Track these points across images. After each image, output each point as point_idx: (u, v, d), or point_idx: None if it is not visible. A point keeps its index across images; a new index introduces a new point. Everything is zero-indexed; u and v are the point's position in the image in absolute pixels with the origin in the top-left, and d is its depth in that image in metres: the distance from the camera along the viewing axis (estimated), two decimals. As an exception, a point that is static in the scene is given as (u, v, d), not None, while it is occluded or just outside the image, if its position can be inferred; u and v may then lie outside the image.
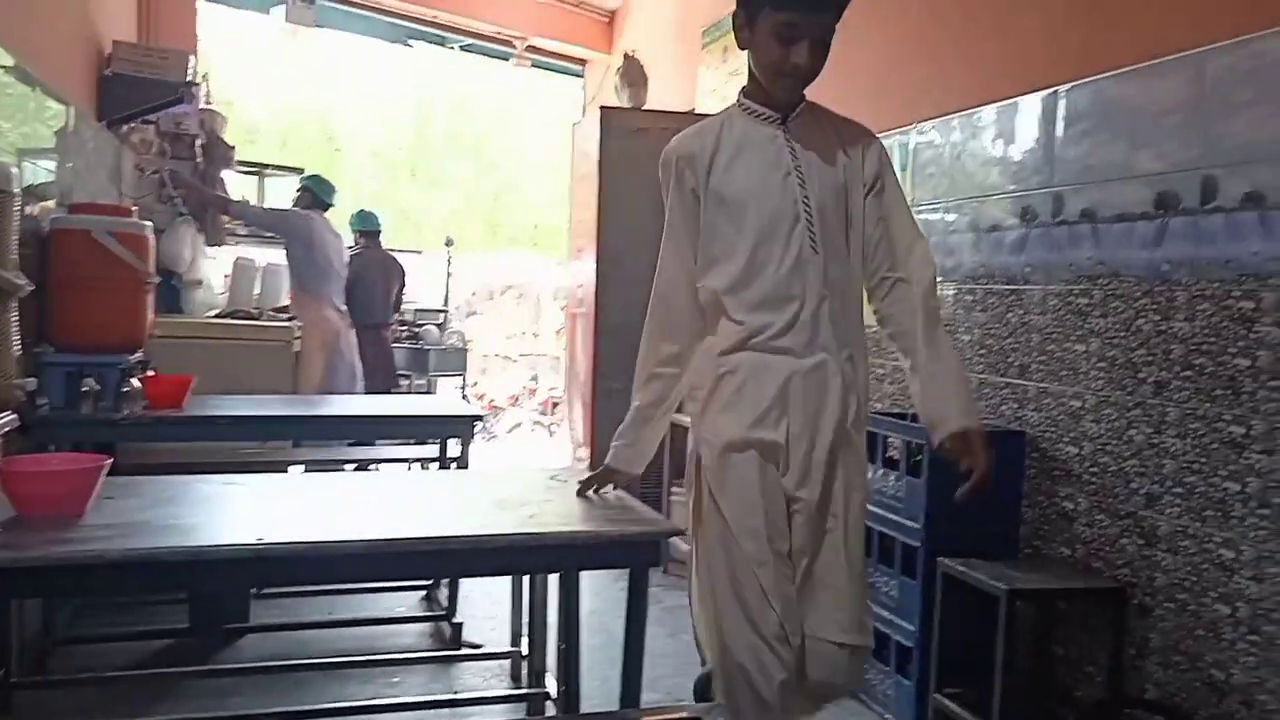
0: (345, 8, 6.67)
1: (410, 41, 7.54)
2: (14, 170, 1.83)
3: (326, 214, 5.53)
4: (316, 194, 5.51)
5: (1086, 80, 2.74)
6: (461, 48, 7.97)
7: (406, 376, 6.99)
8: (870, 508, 3.09)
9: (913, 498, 2.92)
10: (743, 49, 1.92)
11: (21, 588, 1.74)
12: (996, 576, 2.56)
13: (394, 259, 6.61)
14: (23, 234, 2.96)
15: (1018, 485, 2.90)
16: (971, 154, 3.23)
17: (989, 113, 3.14)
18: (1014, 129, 3.03)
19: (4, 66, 2.82)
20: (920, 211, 3.45)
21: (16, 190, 1.81)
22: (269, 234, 5.51)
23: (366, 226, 6.48)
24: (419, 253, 8.27)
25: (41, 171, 3.20)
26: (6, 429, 1.86)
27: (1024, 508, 2.90)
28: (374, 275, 6.34)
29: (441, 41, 7.89)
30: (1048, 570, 2.69)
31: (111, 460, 1.91)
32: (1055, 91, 2.85)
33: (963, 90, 3.28)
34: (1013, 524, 2.90)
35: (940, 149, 3.39)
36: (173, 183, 4.94)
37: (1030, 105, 2.95)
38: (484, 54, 7.99)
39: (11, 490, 1.81)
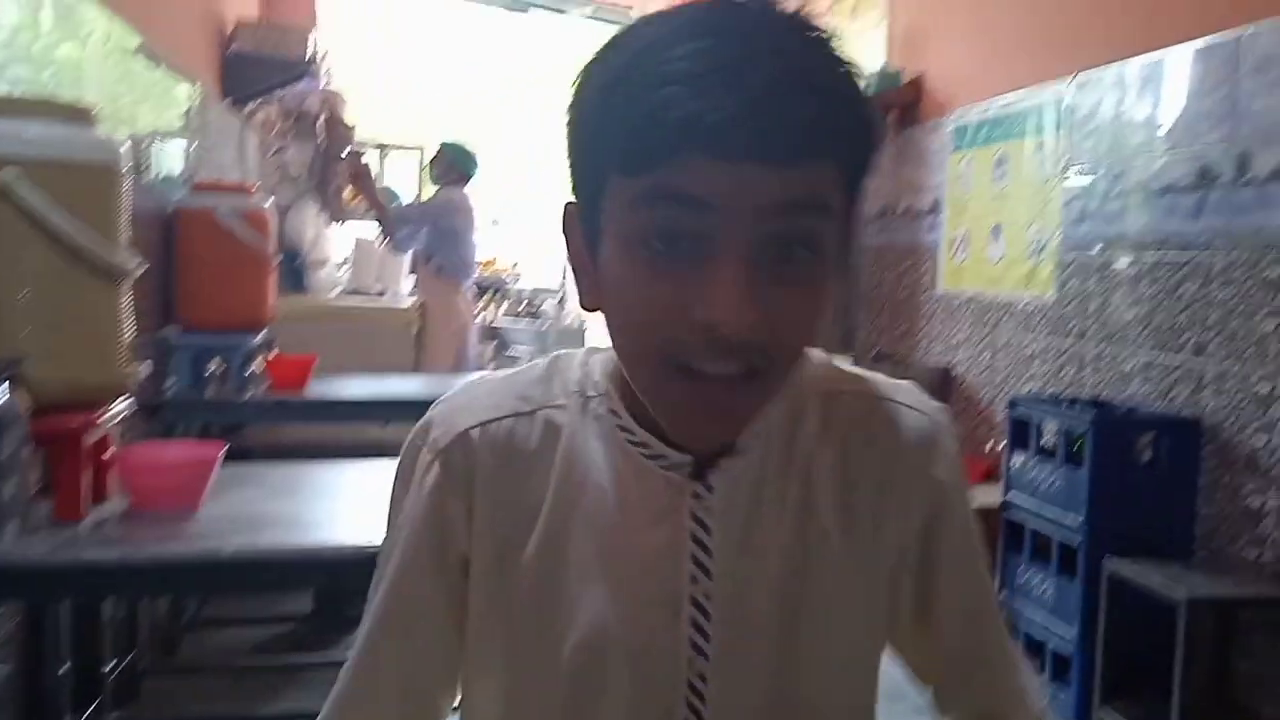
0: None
1: (529, 9, 7.44)
2: (123, 148, 1.75)
3: (466, 188, 5.12)
4: (460, 166, 5.04)
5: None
6: (586, 15, 7.83)
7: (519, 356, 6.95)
8: (1023, 502, 2.86)
9: (1072, 490, 2.66)
10: (590, 309, 0.74)
11: (133, 587, 1.68)
12: (1173, 581, 2.30)
13: None
14: (147, 214, 2.96)
15: (1193, 478, 2.62)
16: (1139, 107, 2.92)
17: (1159, 59, 2.83)
18: (1190, 77, 2.71)
19: (132, 48, 2.80)
20: (1080, 173, 3.16)
21: (124, 168, 1.73)
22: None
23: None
24: (537, 226, 8.22)
25: (167, 152, 3.19)
26: (124, 414, 1.79)
27: (1200, 503, 2.62)
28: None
29: (562, 9, 7.77)
30: (1230, 575, 2.42)
31: (226, 448, 1.83)
32: (1240, 34, 2.53)
33: (1126, 36, 2.97)
34: (1187, 521, 2.62)
35: (1101, 102, 3.09)
36: (349, 170, 4.92)
37: (1210, 50, 2.64)
38: (608, 22, 7.84)
39: (127, 482, 1.75)
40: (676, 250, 0.64)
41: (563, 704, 0.75)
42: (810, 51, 0.64)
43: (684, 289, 0.63)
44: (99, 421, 1.73)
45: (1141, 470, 2.66)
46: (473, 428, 0.77)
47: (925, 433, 0.80)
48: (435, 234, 5.02)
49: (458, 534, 0.77)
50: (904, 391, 0.82)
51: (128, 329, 1.78)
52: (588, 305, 0.73)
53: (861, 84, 0.67)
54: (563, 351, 0.83)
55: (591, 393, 0.78)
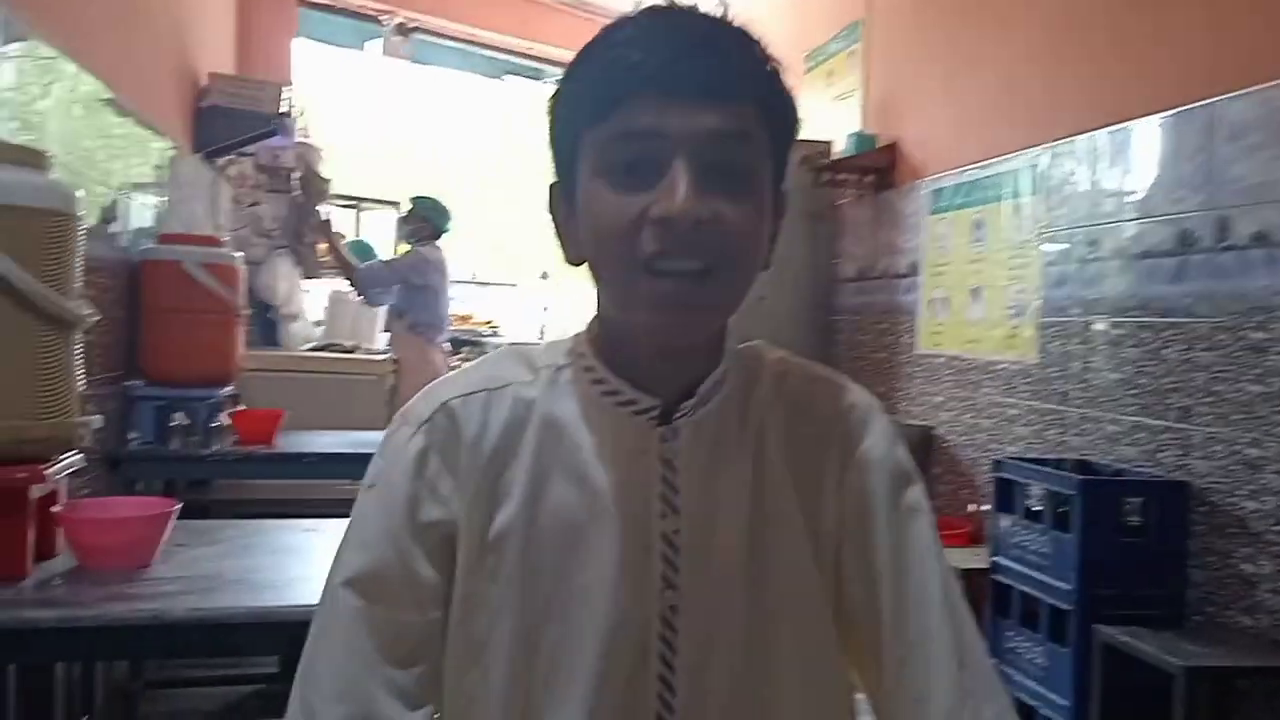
0: (440, 41, 6.63)
1: (504, 76, 7.48)
2: (79, 193, 1.68)
3: (439, 241, 5.07)
4: (433, 221, 5.03)
5: (1256, 88, 2.42)
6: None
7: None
8: (1012, 564, 2.80)
9: (1061, 555, 2.60)
10: (574, 263, 0.85)
11: (73, 650, 1.57)
12: (1168, 650, 2.23)
13: None
14: (112, 265, 2.89)
15: (1183, 543, 2.56)
16: (1114, 173, 2.91)
17: (1133, 128, 2.83)
18: (1165, 144, 2.71)
19: (102, 99, 2.75)
20: (1057, 237, 3.15)
21: (80, 213, 1.66)
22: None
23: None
24: (513, 285, 8.17)
25: (137, 204, 3.13)
26: (73, 468, 1.69)
27: (1191, 568, 2.56)
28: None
29: (538, 76, 7.82)
30: (1226, 643, 2.34)
31: (181, 505, 1.74)
32: (1215, 102, 2.53)
33: (1098, 106, 2.97)
34: (1179, 587, 2.56)
35: (1076, 169, 3.09)
36: (316, 231, 4.92)
37: (1184, 118, 2.64)
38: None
39: (72, 539, 1.65)
40: (637, 175, 0.77)
41: (552, 643, 0.81)
42: (731, 28, 0.81)
43: (645, 198, 0.76)
44: (46, 475, 1.63)
45: (1131, 535, 2.60)
46: (453, 398, 0.85)
47: (862, 408, 0.90)
48: (407, 291, 4.97)
49: (441, 496, 0.83)
50: (845, 377, 0.93)
51: (78, 380, 1.70)
52: (572, 260, 0.85)
53: (774, 62, 0.82)
54: (518, 344, 0.96)
55: (564, 361, 0.88)
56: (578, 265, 0.84)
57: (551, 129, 0.84)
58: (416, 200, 5.11)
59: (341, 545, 0.84)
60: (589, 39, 0.82)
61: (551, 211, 0.86)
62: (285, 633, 1.60)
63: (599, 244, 0.79)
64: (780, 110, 0.82)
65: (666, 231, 0.75)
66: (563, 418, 0.85)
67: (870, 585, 0.85)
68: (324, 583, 0.84)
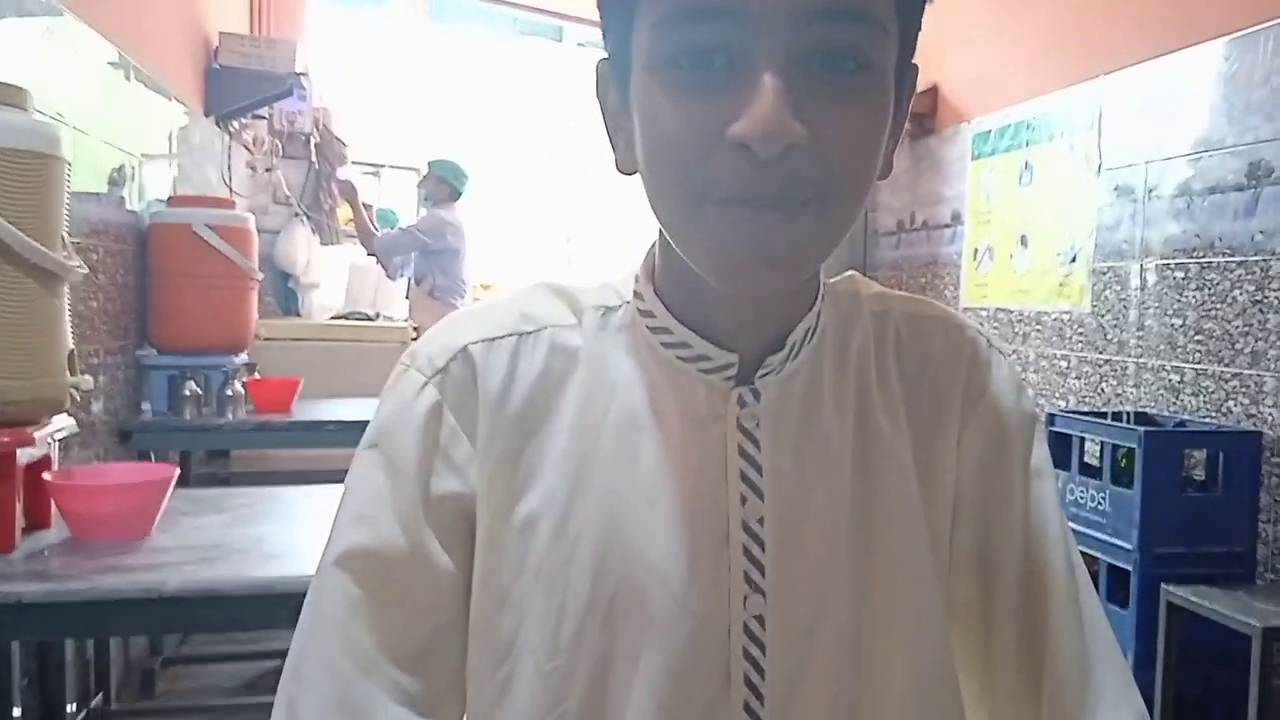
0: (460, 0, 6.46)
1: (525, 36, 7.30)
2: (61, 133, 1.55)
3: (457, 203, 4.91)
4: (450, 183, 4.83)
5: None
6: (579, 44, 7.70)
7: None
8: (1068, 523, 2.64)
9: (1121, 512, 2.43)
10: (626, 171, 0.66)
11: (62, 626, 1.46)
12: (1242, 610, 2.07)
13: None
14: (121, 229, 2.78)
15: (1254, 496, 2.39)
16: (1177, 104, 2.72)
17: (1197, 53, 2.63)
18: (1233, 70, 2.52)
19: (109, 61, 2.63)
20: (1117, 173, 2.95)
21: (66, 155, 1.53)
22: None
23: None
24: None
25: (148, 168, 3.01)
26: (62, 434, 1.58)
27: (1262, 523, 2.39)
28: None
29: (558, 37, 7.64)
30: (1303, 602, 2.19)
31: (179, 472, 1.62)
32: (1295, 17, 2.34)
33: (1161, 29, 2.77)
34: (1249, 543, 2.39)
35: (1135, 101, 2.89)
36: (341, 194, 4.83)
37: (1255, 39, 2.44)
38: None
39: (64, 508, 1.54)
40: (709, 67, 0.55)
41: (597, 660, 0.62)
42: None
43: (720, 108, 0.55)
44: (34, 440, 1.52)
45: (1196, 489, 2.44)
46: (474, 343, 0.67)
47: (983, 349, 0.72)
48: (425, 255, 4.84)
49: (456, 464, 0.65)
50: (956, 313, 0.75)
51: (67, 337, 1.58)
52: (624, 168, 0.65)
53: None
54: (567, 279, 0.72)
55: (615, 302, 0.69)
56: (630, 174, 0.64)
57: None
58: (433, 163, 4.97)
59: (337, 518, 0.66)
60: None
61: (600, 97, 0.66)
62: (293, 604, 1.49)
63: (653, 164, 0.59)
64: None
65: (747, 158, 0.54)
66: (613, 373, 0.67)
67: (989, 569, 0.69)
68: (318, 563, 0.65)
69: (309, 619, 0.64)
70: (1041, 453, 0.71)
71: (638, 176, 0.62)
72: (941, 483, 0.69)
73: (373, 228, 4.82)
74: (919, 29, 0.62)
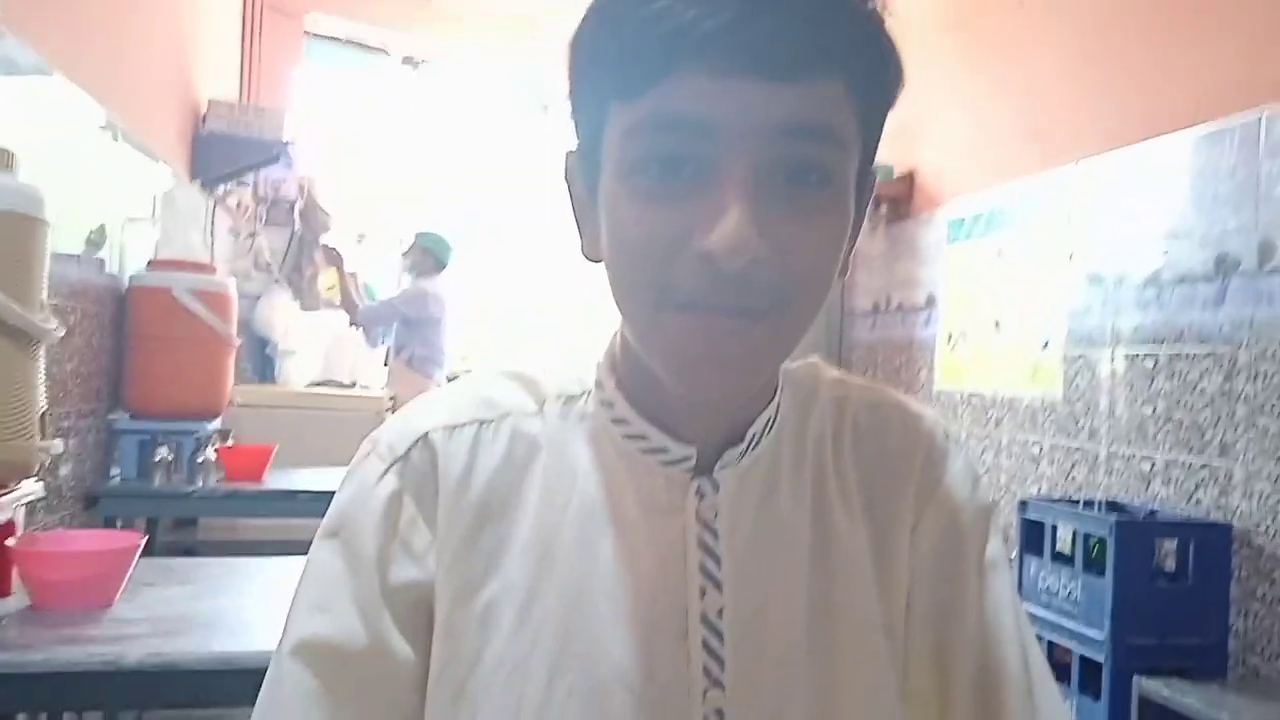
0: (446, 74, 6.56)
1: (513, 109, 7.41)
2: (43, 195, 1.56)
3: (442, 275, 4.93)
4: (436, 254, 4.89)
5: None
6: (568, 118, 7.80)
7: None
8: (1040, 610, 2.63)
9: (1093, 601, 2.43)
10: (591, 259, 0.67)
11: (14, 700, 1.42)
12: (1215, 705, 2.06)
13: None
14: (100, 291, 2.78)
15: (1224, 588, 2.39)
16: (1147, 194, 2.79)
17: (1170, 144, 2.71)
18: (1203, 162, 2.59)
19: (97, 124, 2.66)
20: (1088, 261, 3.01)
21: (47, 217, 1.54)
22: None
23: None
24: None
25: (130, 231, 3.02)
26: (28, 499, 1.56)
27: (1234, 616, 2.39)
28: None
29: (545, 109, 7.76)
30: (1274, 697, 2.18)
31: (145, 539, 1.60)
32: (1260, 114, 2.41)
33: (1131, 121, 2.85)
34: (1221, 636, 2.39)
35: (1105, 191, 2.96)
36: (326, 261, 4.85)
37: (1224, 134, 2.51)
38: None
39: (26, 575, 1.51)
40: (677, 177, 0.57)
41: None
42: None
43: (685, 217, 0.57)
44: (-1, 504, 1.50)
45: (1167, 579, 2.44)
46: (435, 429, 0.67)
47: (939, 440, 0.73)
48: (407, 326, 4.86)
49: (415, 552, 0.64)
50: (914, 401, 0.76)
51: (40, 401, 1.57)
52: (589, 255, 0.66)
53: (874, 5, 0.60)
54: (530, 366, 0.73)
55: (577, 390, 0.70)
56: (595, 263, 0.65)
57: (572, 83, 0.64)
58: (420, 235, 5.01)
59: (294, 605, 0.65)
60: None
61: (568, 185, 0.68)
62: (256, 680, 1.46)
63: (618, 266, 0.61)
64: (879, 78, 0.61)
65: (709, 268, 0.56)
66: (575, 462, 0.67)
67: (943, 663, 0.69)
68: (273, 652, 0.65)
69: (264, 709, 0.63)
70: (996, 546, 0.72)
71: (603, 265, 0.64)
72: (897, 574, 0.69)
73: (357, 298, 4.83)
74: (879, 139, 0.64)
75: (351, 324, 4.86)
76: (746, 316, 0.58)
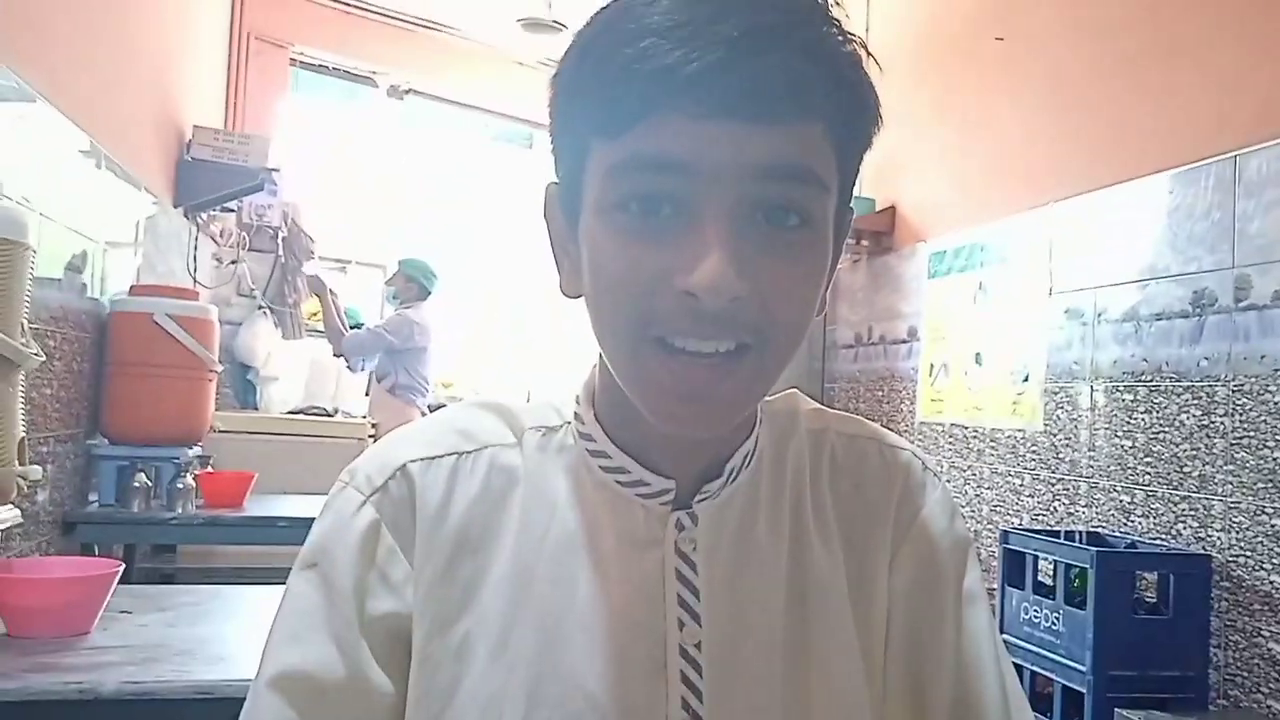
0: (433, 104, 6.59)
1: (496, 141, 7.45)
2: (28, 220, 1.56)
3: (426, 302, 4.92)
4: (420, 282, 4.89)
5: (1276, 142, 2.34)
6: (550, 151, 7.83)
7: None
8: (1021, 642, 2.63)
9: (1075, 632, 2.44)
10: (570, 295, 0.68)
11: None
12: (1195, 737, 2.07)
13: None
14: (80, 317, 2.76)
15: (1205, 620, 2.41)
16: (1124, 233, 2.82)
17: (1147, 185, 2.75)
18: (1179, 201, 2.62)
19: (79, 149, 2.65)
20: (1067, 297, 3.04)
21: (30, 242, 1.53)
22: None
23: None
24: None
25: (112, 258, 3.00)
26: (4, 525, 1.54)
27: (1214, 648, 2.40)
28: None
29: (529, 142, 7.80)
30: (1255, 729, 2.19)
31: (123, 567, 1.58)
32: (1233, 155, 2.45)
33: (1108, 162, 2.90)
34: (1200, 667, 2.40)
35: (1083, 229, 3.00)
36: (309, 288, 4.85)
37: (1199, 174, 2.55)
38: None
39: (1, 602, 1.50)
40: (657, 215, 0.58)
41: None
42: (794, 6, 0.59)
43: (665, 256, 0.58)
44: (-25, 529, 1.48)
45: (1148, 611, 2.45)
46: (413, 461, 0.67)
47: (916, 471, 0.74)
48: (390, 354, 4.86)
49: (393, 584, 0.64)
50: (891, 433, 0.77)
51: (17, 425, 1.56)
52: (568, 291, 0.66)
53: (853, 48, 0.61)
54: (508, 398, 0.74)
55: (556, 422, 0.70)
56: (573, 298, 0.66)
57: (553, 118, 0.64)
58: (404, 262, 5.01)
59: (270, 637, 0.64)
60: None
61: (547, 219, 0.68)
62: (234, 709, 1.44)
63: (598, 301, 0.61)
64: (857, 119, 0.62)
65: (690, 305, 0.57)
66: (553, 494, 0.67)
67: (921, 696, 0.69)
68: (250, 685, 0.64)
69: None
70: (974, 578, 0.72)
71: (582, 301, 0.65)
72: (874, 606, 0.70)
73: (342, 327, 4.82)
74: (857, 177, 0.66)
75: (336, 354, 4.86)
76: (727, 358, 0.59)
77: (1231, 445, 2.39)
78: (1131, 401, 2.74)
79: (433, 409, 5.29)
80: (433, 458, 0.67)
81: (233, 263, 4.74)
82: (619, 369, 0.62)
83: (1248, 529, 2.34)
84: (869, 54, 0.63)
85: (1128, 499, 2.73)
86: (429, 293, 4.94)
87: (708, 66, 0.55)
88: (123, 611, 1.68)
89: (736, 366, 0.59)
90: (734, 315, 0.57)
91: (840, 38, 0.61)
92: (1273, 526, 2.27)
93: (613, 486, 0.67)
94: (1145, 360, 2.69)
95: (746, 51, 0.55)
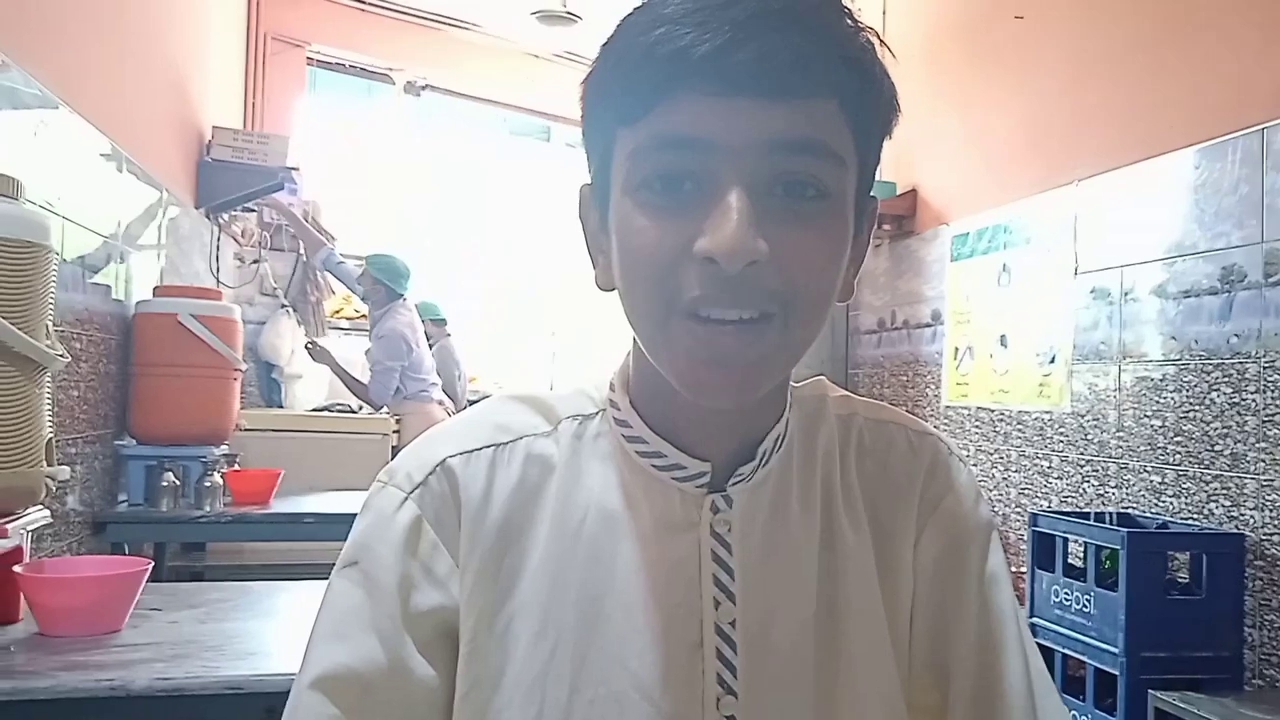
0: (450, 99, 6.60)
1: (513, 135, 7.44)
2: (51, 223, 1.57)
3: (401, 301, 4.61)
4: (388, 285, 4.52)
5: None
6: (568, 144, 7.84)
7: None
8: (1052, 626, 2.61)
9: (1106, 614, 2.42)
10: (604, 288, 0.70)
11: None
12: (1230, 717, 2.04)
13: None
14: (105, 318, 2.78)
15: (1239, 600, 2.38)
16: (1151, 210, 2.79)
17: (1173, 160, 2.71)
18: (1207, 176, 2.59)
19: (101, 153, 2.67)
20: (1093, 276, 3.01)
21: (53, 245, 1.54)
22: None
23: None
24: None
25: (135, 259, 3.03)
26: (36, 526, 1.56)
27: (1248, 628, 2.37)
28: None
29: (546, 137, 7.79)
30: (1292, 709, 2.16)
31: (152, 565, 1.59)
32: (1263, 128, 2.41)
33: (1133, 138, 2.86)
34: (1235, 648, 2.37)
35: (1109, 207, 2.96)
36: (277, 214, 4.67)
37: (1227, 148, 2.51)
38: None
39: (33, 601, 1.51)
40: (679, 192, 0.61)
41: None
42: None
43: (687, 228, 0.60)
44: (6, 531, 1.49)
45: (1181, 592, 2.43)
46: (452, 456, 0.69)
47: (942, 455, 0.75)
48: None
49: (438, 578, 0.66)
50: (916, 419, 0.78)
51: (45, 426, 1.57)
52: (602, 284, 0.69)
53: (865, 34, 0.63)
54: (540, 389, 0.75)
55: (590, 409, 0.72)
56: (608, 291, 0.68)
57: (584, 119, 0.67)
58: (371, 260, 4.56)
59: (312, 638, 0.65)
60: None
61: (582, 219, 0.71)
62: (264, 704, 1.45)
63: (628, 278, 0.63)
64: (871, 98, 0.63)
65: (712, 272, 0.59)
66: (589, 480, 0.69)
67: (945, 676, 0.70)
68: (292, 685, 0.64)
69: None
70: (997, 560, 0.73)
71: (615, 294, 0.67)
72: (900, 586, 0.72)
73: (355, 385, 4.57)
74: (878, 162, 0.68)
75: (374, 408, 4.59)
76: (750, 326, 0.60)
77: (1263, 423, 2.36)
78: (1160, 380, 2.70)
79: (472, 402, 5.24)
80: (471, 451, 0.69)
81: (255, 262, 4.77)
82: (650, 346, 0.64)
83: (1281, 507, 2.30)
84: (882, 43, 0.65)
85: (1158, 479, 2.69)
86: (399, 295, 4.58)
87: (718, 47, 0.57)
88: (153, 609, 1.69)
89: (762, 334, 0.61)
90: (755, 281, 0.59)
91: (850, 23, 0.63)
92: (1307, 504, 2.24)
93: (649, 471, 0.69)
94: (1174, 338, 2.66)
95: (756, 31, 0.58)
